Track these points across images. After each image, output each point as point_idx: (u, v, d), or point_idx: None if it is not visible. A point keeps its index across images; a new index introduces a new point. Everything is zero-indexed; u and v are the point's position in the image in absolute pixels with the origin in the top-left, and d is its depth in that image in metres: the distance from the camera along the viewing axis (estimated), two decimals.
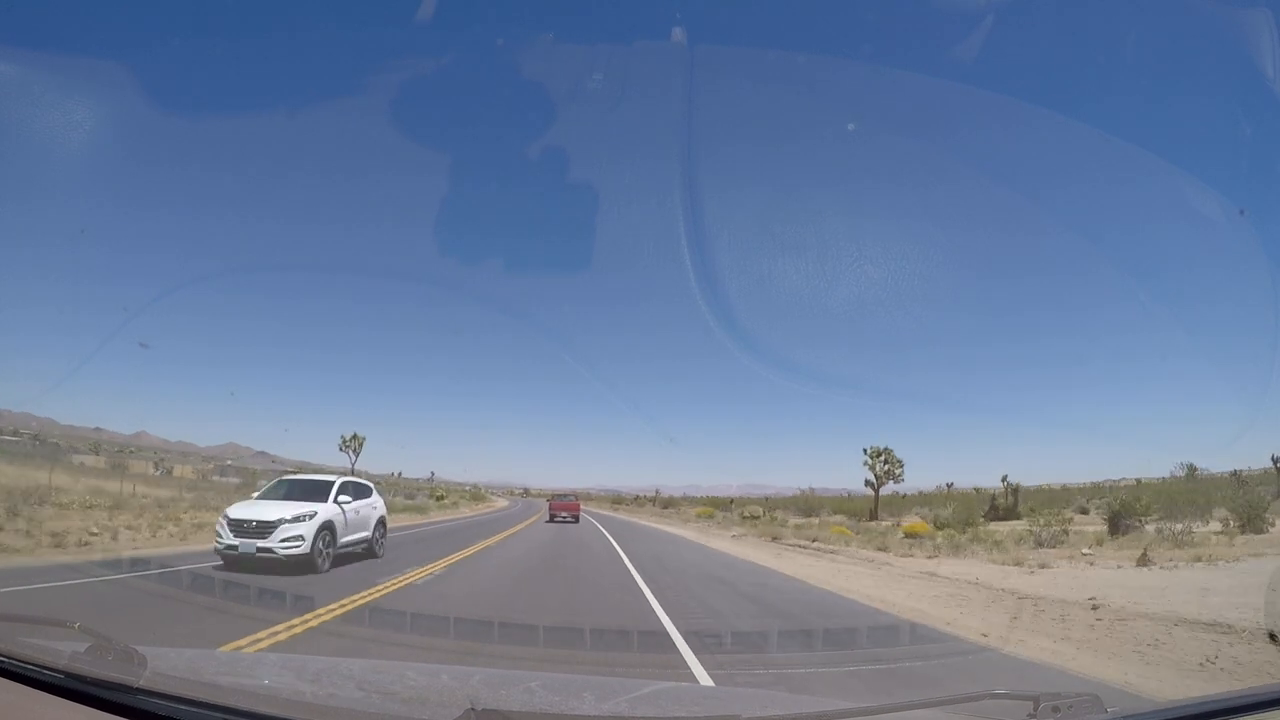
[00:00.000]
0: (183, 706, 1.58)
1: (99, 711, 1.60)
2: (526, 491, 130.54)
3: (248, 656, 2.63)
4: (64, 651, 1.74)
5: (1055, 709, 1.64)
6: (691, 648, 7.00)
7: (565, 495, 42.11)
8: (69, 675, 1.65)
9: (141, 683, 1.61)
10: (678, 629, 8.08)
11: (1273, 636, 7.54)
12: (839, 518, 40.64)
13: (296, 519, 11.39)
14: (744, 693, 3.94)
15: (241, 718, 1.55)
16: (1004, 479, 41.90)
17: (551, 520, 34.17)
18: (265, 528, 11.13)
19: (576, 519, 35.07)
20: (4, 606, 6.97)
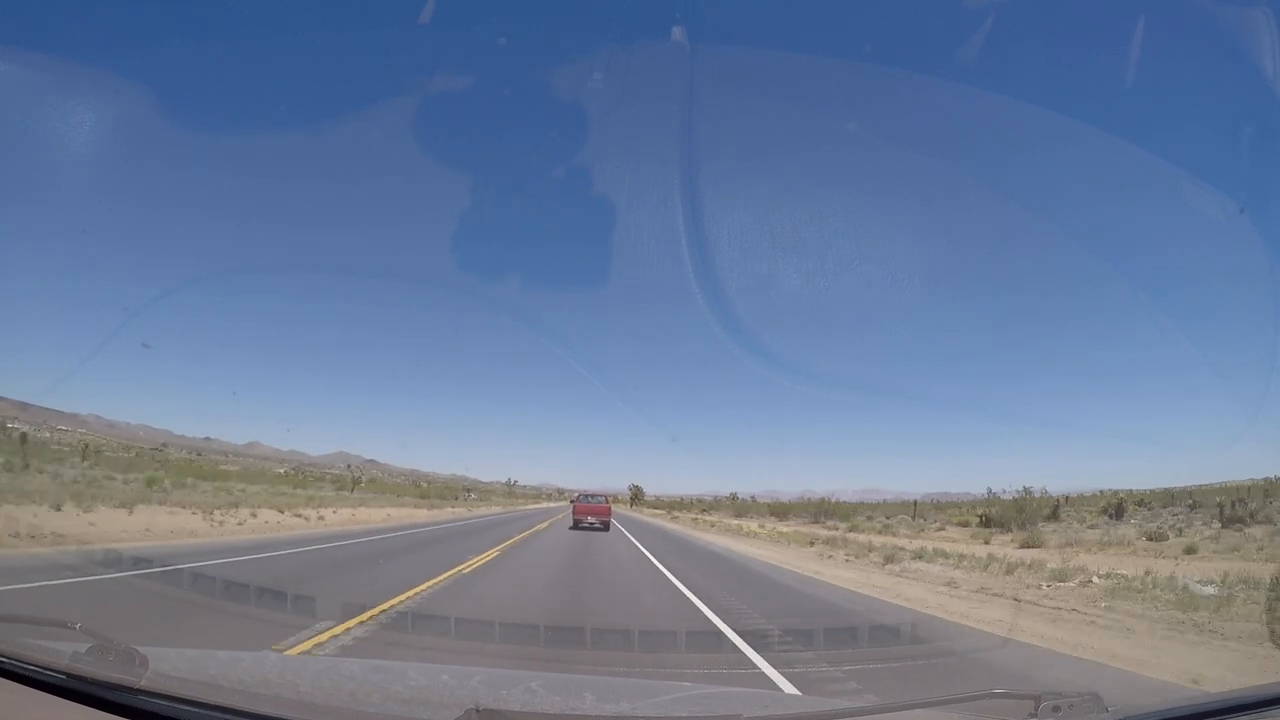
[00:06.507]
0: (184, 707, 1.58)
1: (100, 712, 1.60)
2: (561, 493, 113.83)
3: (248, 656, 2.62)
4: (65, 652, 1.74)
5: (1056, 708, 1.64)
6: None
7: (593, 496, 34.20)
8: (70, 676, 1.65)
9: (143, 683, 1.61)
10: None
11: None
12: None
13: None
14: (746, 693, 3.91)
15: (243, 718, 1.55)
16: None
17: (575, 527, 28.55)
18: None
19: (607, 526, 29.60)
20: (5, 607, 6.95)
